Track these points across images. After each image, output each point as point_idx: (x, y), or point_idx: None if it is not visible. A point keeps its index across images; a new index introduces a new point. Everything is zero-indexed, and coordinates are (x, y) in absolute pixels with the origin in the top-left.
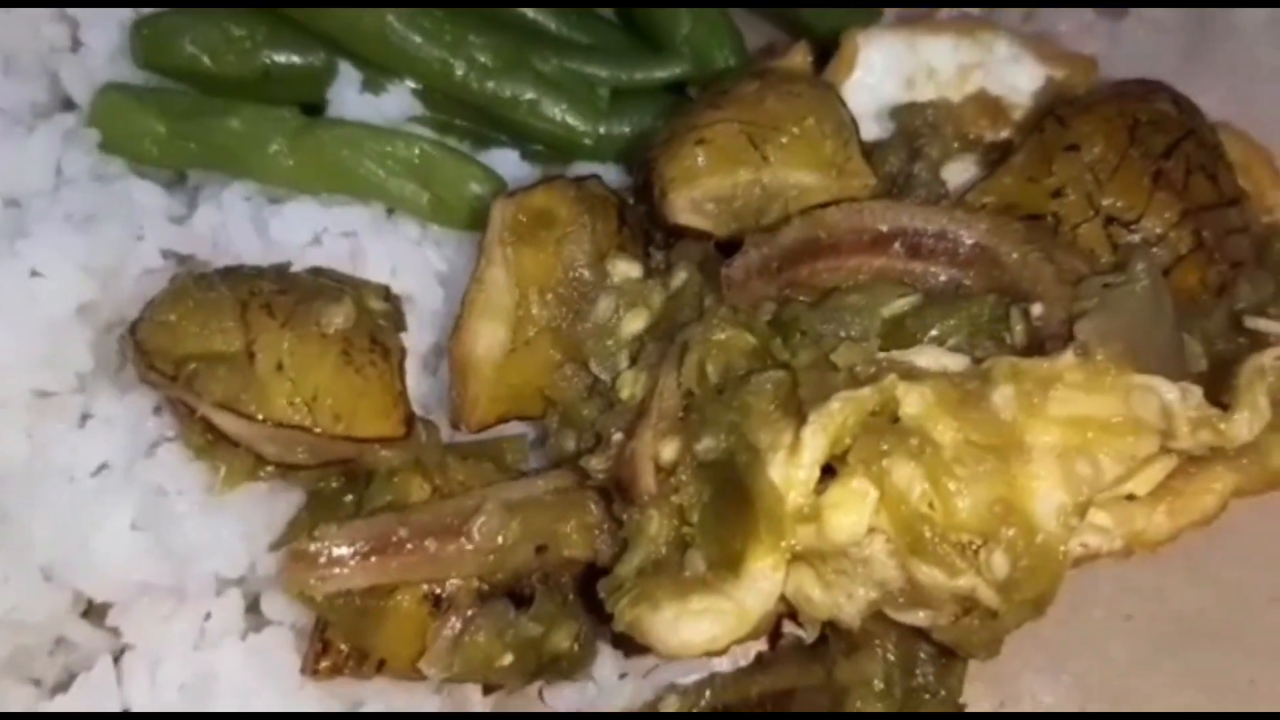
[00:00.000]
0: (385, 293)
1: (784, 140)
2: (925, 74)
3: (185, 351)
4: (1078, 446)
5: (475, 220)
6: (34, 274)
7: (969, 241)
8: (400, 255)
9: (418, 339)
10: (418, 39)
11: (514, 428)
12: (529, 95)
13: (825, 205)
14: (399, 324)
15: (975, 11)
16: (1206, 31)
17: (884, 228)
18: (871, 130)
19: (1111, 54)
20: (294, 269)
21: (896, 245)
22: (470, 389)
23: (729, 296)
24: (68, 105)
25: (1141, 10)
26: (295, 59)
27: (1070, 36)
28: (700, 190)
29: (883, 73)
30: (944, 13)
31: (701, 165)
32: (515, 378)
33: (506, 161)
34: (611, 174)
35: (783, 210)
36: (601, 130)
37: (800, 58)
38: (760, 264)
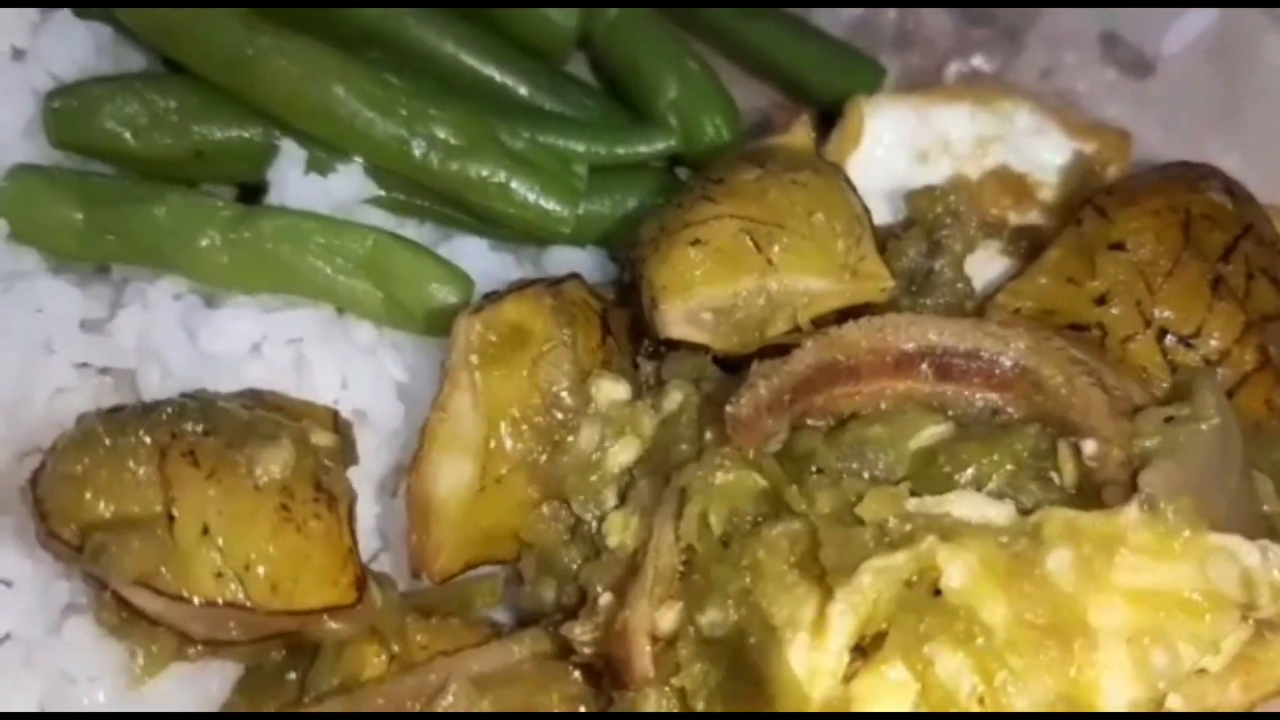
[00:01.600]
0: (333, 420)
1: (790, 240)
2: (939, 147)
3: (93, 515)
4: (1150, 629)
5: (437, 324)
6: None
7: (1007, 362)
8: (352, 365)
9: (373, 462)
10: (369, 113)
11: (484, 567)
12: (498, 176)
13: (841, 319)
14: (349, 457)
15: (986, 67)
16: (1236, 91)
17: (910, 347)
18: (881, 210)
19: (1138, 117)
20: (228, 390)
21: (924, 366)
22: (433, 534)
23: (736, 438)
24: None
25: (1167, 68)
26: (231, 135)
27: (1092, 98)
28: (697, 300)
29: (892, 145)
30: (952, 70)
31: (698, 272)
32: (485, 520)
33: (472, 250)
34: (590, 261)
35: (790, 319)
36: (579, 213)
37: (802, 134)
38: (771, 398)
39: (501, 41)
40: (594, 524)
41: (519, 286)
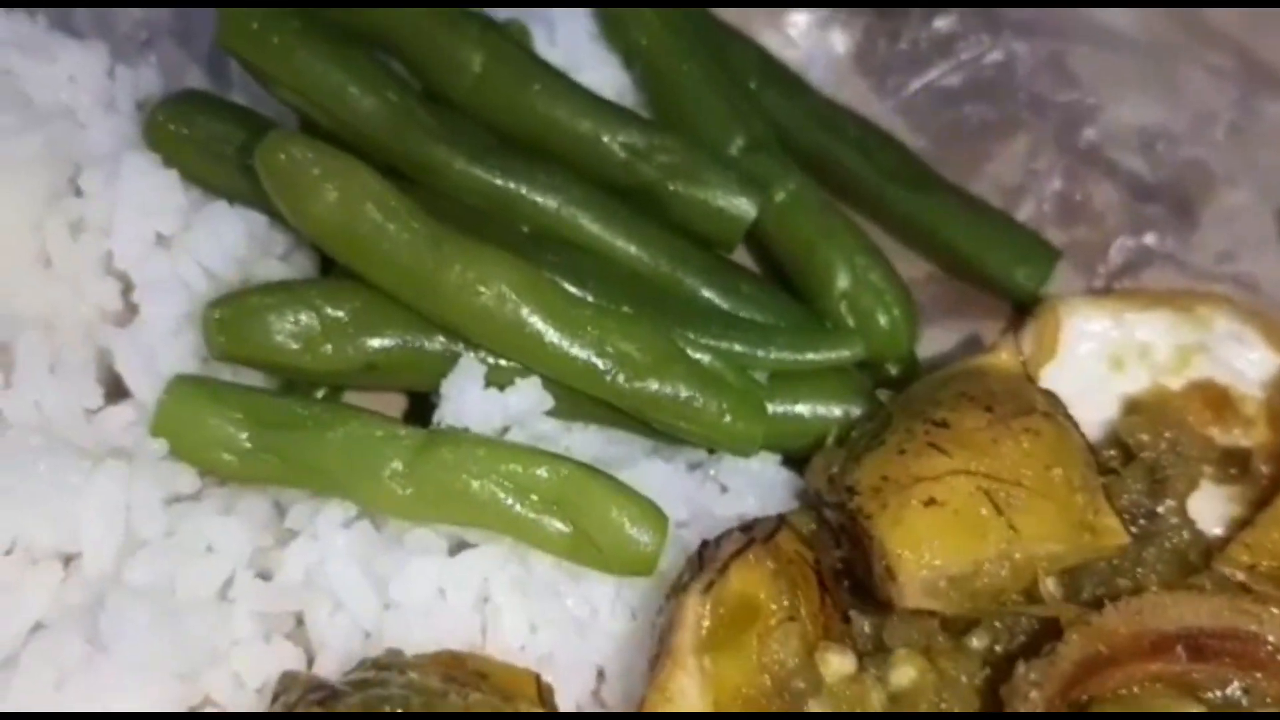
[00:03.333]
0: (538, 688)
1: (1030, 500)
2: (1137, 354)
3: None
4: None
5: (628, 564)
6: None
7: (1264, 642)
8: (538, 607)
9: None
10: (556, 331)
11: None
12: (684, 396)
13: (1098, 603)
14: None
15: (1157, 246)
16: None
17: (1169, 629)
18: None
19: None
20: (412, 638)
21: (1179, 648)
22: None
23: None
24: (118, 390)
25: None
26: (406, 347)
27: (1272, 282)
28: (937, 571)
29: (1088, 353)
30: (1119, 245)
31: (937, 541)
32: None
33: (656, 475)
34: (770, 472)
35: (1026, 581)
36: (764, 431)
37: (1010, 355)
38: (1044, 704)
39: (673, 233)
40: None
41: (736, 548)
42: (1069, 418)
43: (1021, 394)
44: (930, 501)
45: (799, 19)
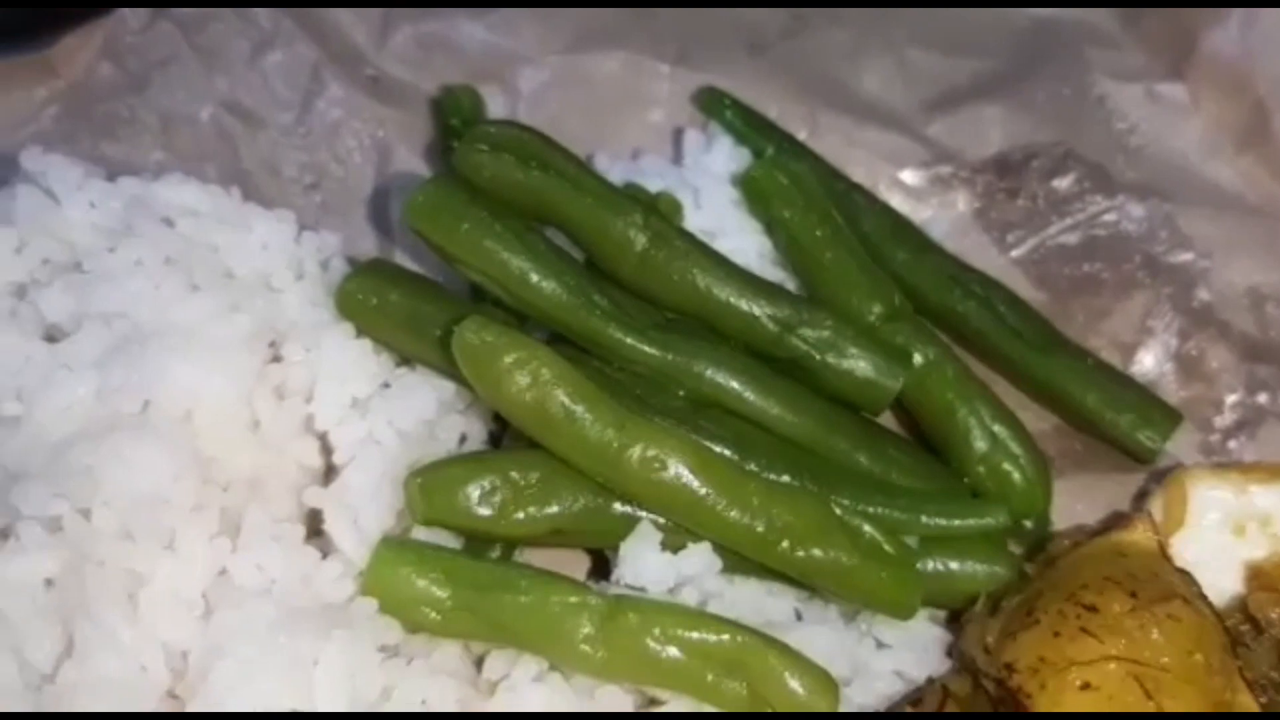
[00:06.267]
0: None
1: (1175, 684)
2: (1258, 522)
3: None
4: None
5: None
6: None
7: None
8: None
9: None
10: (725, 502)
11: None
12: (843, 564)
13: None
14: None
15: (1270, 405)
16: None
17: None
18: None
19: None
20: None
21: None
22: None
23: None
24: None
25: None
26: (589, 513)
27: None
28: None
29: (1213, 521)
30: (1231, 400)
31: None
32: None
33: (819, 634)
34: (924, 632)
35: None
36: (920, 598)
37: (1146, 533)
38: None
39: (824, 401)
40: None
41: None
42: (1204, 599)
43: (1161, 576)
44: (1085, 686)
45: (920, 177)
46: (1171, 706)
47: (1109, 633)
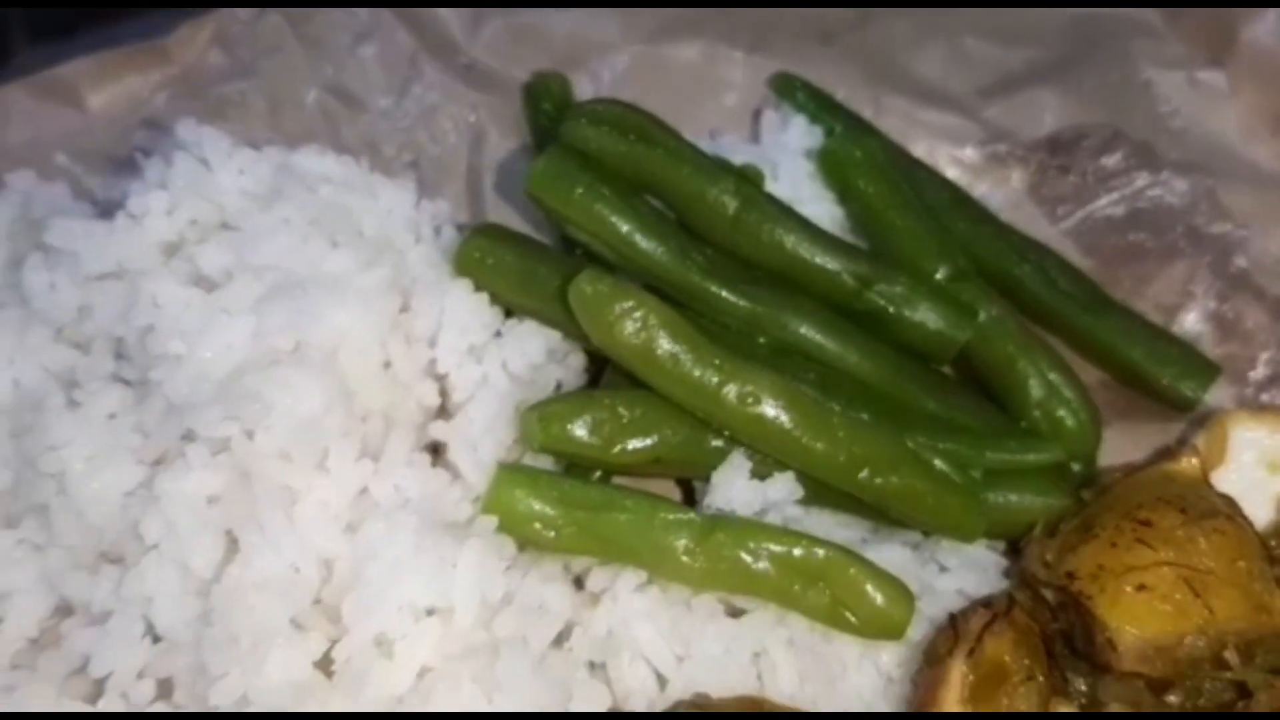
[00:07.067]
0: None
1: (1221, 587)
2: None
3: None
4: None
5: (876, 629)
6: None
7: None
8: (803, 664)
9: None
10: (810, 435)
11: None
12: (917, 489)
13: (1273, 670)
14: None
15: None
16: None
17: None
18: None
19: None
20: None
21: None
22: None
23: None
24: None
25: None
26: (686, 445)
27: None
28: (1148, 642)
29: (1250, 459)
30: (1264, 357)
31: (1148, 616)
32: None
33: (888, 555)
34: (983, 556)
35: (1215, 652)
36: (985, 522)
37: (1193, 465)
38: None
39: (896, 350)
40: None
41: (985, 621)
42: (1245, 518)
43: (1207, 499)
44: (1141, 587)
45: (977, 155)
46: (1217, 605)
47: (1162, 543)
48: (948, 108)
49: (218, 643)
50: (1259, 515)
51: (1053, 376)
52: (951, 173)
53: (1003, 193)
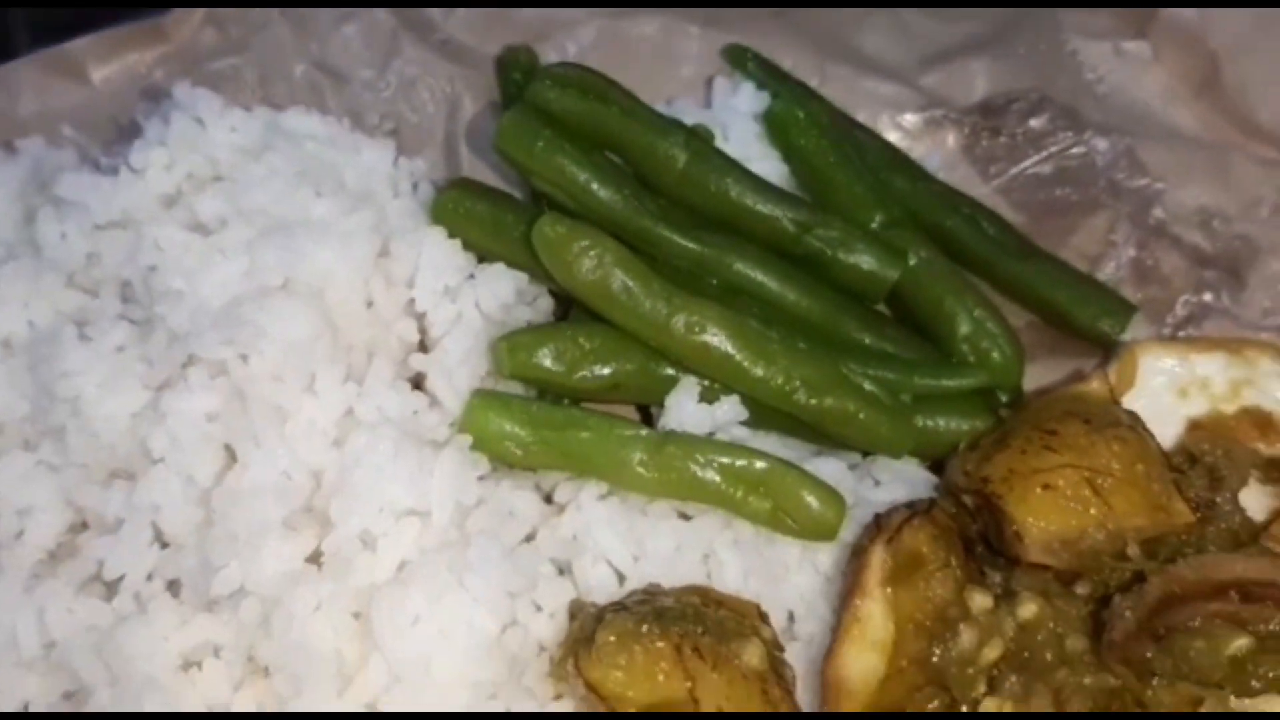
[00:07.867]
0: (757, 611)
1: (1121, 487)
2: (1198, 386)
3: (632, 695)
4: None
5: (812, 532)
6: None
7: None
8: (748, 562)
9: None
10: (754, 361)
11: None
12: (849, 409)
13: (1173, 559)
14: (778, 644)
15: (1214, 302)
16: None
17: (1226, 578)
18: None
19: None
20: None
21: (1232, 593)
22: (842, 710)
23: (1110, 656)
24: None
25: None
26: (640, 371)
27: None
28: (1054, 536)
29: (1159, 385)
30: (1183, 300)
31: (1052, 512)
32: (884, 701)
33: (826, 470)
34: (912, 471)
35: (1117, 547)
36: (911, 439)
37: (1099, 384)
38: (1136, 626)
39: (832, 289)
40: (965, 708)
41: (905, 517)
42: (1147, 430)
43: (1111, 412)
44: (1046, 486)
45: (915, 120)
46: (1117, 503)
47: (1066, 448)
48: (889, 77)
49: (218, 539)
50: (1167, 436)
51: (979, 313)
52: (892, 136)
53: (940, 154)
